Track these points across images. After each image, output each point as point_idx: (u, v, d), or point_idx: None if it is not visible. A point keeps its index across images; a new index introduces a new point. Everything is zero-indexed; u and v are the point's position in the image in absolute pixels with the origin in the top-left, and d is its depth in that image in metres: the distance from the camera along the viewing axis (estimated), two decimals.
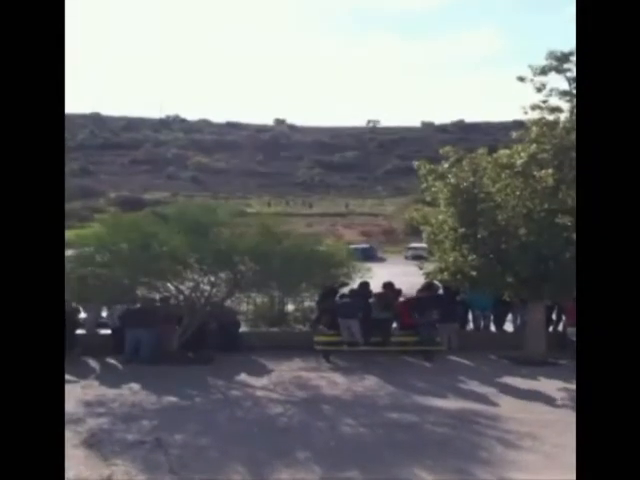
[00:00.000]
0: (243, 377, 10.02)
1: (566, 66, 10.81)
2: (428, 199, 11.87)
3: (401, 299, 12.23)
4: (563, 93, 10.99)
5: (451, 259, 11.06)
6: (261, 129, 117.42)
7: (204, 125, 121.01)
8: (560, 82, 11.08)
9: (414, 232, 25.00)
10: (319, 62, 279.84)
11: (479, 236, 10.95)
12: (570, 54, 10.68)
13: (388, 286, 12.26)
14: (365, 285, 11.99)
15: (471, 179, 11.00)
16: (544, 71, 10.96)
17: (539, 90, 11.07)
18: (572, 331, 11.16)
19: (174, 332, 11.13)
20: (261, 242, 10.77)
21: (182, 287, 11.17)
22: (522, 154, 10.82)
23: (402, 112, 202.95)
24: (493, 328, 13.09)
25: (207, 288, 11.18)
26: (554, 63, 10.90)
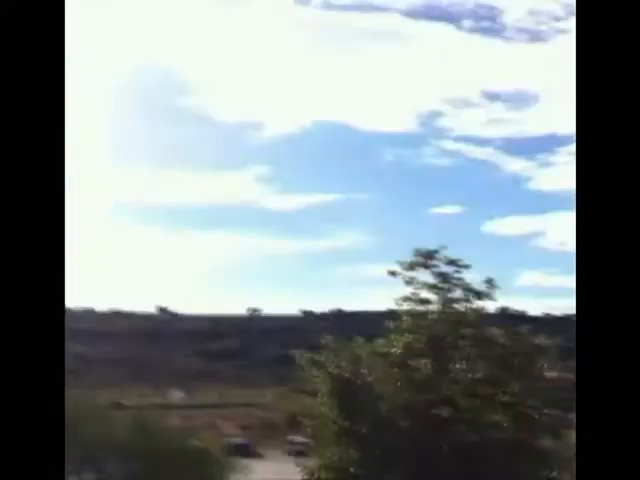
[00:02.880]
0: None
1: (432, 262, 11.73)
2: (309, 389, 11.68)
3: None
4: (431, 286, 11.75)
5: (335, 456, 10.57)
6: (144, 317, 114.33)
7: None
8: (427, 276, 11.89)
9: (296, 423, 24.15)
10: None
11: (363, 430, 10.67)
12: (435, 252, 11.63)
13: None
14: None
15: (351, 369, 11.06)
16: (412, 267, 11.79)
17: (409, 283, 11.80)
18: None
19: None
20: (130, 438, 9.87)
21: None
22: (397, 343, 11.16)
23: (283, 300, 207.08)
24: None
25: None
26: (421, 260, 11.79)
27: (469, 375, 10.82)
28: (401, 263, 11.81)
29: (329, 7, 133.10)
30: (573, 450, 3.95)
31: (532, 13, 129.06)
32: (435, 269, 11.63)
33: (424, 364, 10.92)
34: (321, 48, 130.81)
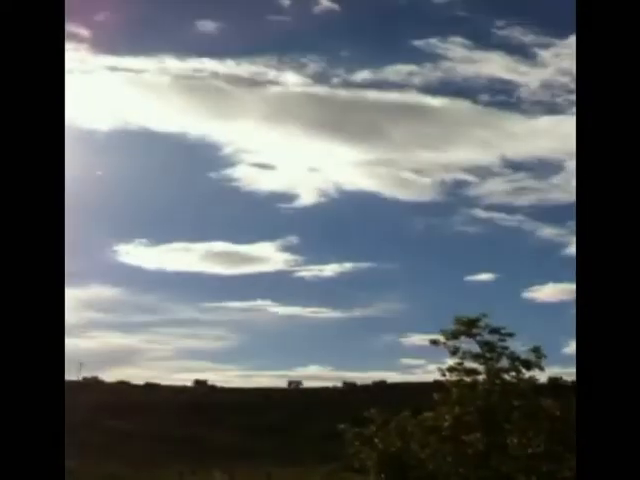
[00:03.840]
0: None
1: (475, 330, 11.41)
2: (356, 466, 11.28)
3: None
4: (476, 356, 11.40)
5: None
6: (180, 390, 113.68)
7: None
8: (470, 345, 11.56)
9: None
10: None
11: None
12: (477, 319, 11.35)
13: None
14: None
15: (399, 444, 10.69)
16: (455, 335, 11.50)
17: (453, 353, 11.48)
18: None
19: None
20: None
21: None
22: (447, 417, 10.78)
23: (323, 371, 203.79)
24: None
25: None
26: (462, 328, 11.49)
27: (529, 450, 10.33)
28: (443, 332, 11.55)
29: (347, 85, 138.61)
30: None
31: (545, 86, 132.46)
32: (479, 338, 11.33)
33: (477, 438, 10.47)
34: (343, 122, 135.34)
